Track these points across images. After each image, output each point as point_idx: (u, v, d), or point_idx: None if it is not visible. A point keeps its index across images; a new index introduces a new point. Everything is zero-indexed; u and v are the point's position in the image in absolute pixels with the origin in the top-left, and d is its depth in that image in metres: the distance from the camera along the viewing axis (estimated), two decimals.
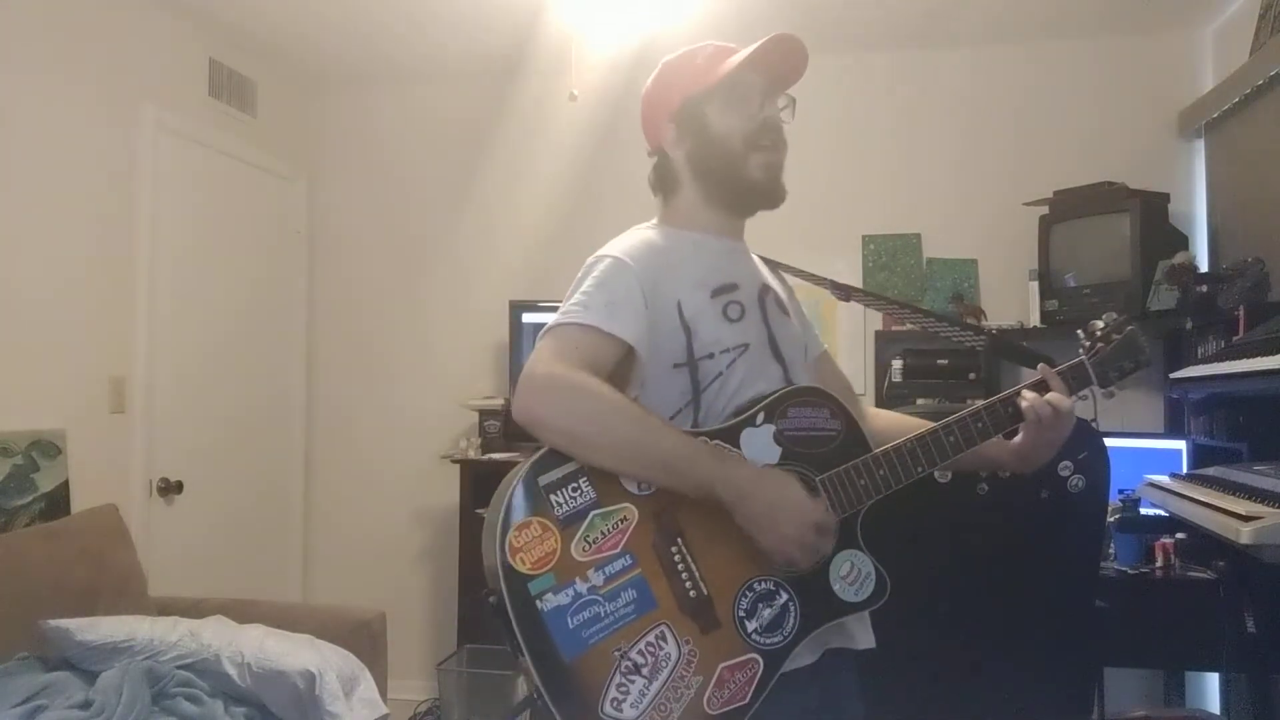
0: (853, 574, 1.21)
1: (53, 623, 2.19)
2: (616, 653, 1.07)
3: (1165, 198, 3.10)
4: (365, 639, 2.56)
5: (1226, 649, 2.34)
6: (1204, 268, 3.02)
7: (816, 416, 1.25)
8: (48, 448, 2.62)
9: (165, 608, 2.55)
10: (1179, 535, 2.58)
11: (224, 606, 2.57)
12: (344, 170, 3.99)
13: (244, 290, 3.57)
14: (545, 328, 1.20)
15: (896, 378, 3.23)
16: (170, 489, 3.12)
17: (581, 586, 1.08)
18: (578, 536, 1.10)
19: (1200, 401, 2.76)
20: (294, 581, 3.83)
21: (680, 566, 1.13)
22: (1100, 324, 1.37)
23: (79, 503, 2.67)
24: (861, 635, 1.29)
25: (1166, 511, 2.36)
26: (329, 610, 2.74)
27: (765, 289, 1.36)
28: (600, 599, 1.08)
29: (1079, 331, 1.40)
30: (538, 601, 1.06)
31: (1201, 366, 2.44)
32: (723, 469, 1.14)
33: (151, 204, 3.04)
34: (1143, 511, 2.62)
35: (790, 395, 1.25)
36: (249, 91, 3.57)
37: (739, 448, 1.19)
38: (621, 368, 1.21)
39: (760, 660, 1.13)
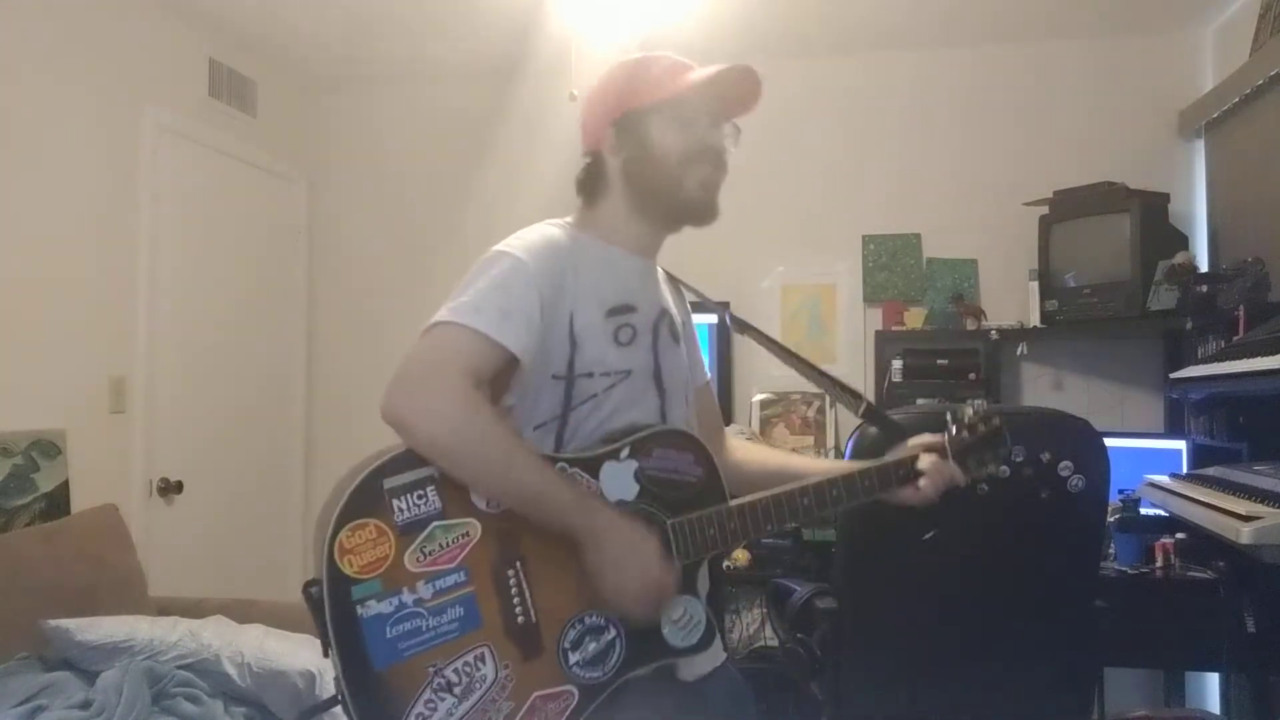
0: (684, 618, 1.20)
1: (53, 623, 2.19)
2: (431, 669, 1.05)
3: (1165, 198, 3.10)
4: None
5: (1226, 649, 2.34)
6: (1204, 268, 3.02)
7: (680, 460, 1.23)
8: (48, 448, 2.62)
9: (165, 608, 2.55)
10: (1179, 535, 2.58)
11: (224, 606, 2.57)
12: (344, 170, 3.99)
13: (244, 290, 3.57)
14: (431, 322, 1.15)
15: (896, 378, 3.23)
16: (170, 489, 3.12)
17: (408, 597, 1.05)
18: (414, 546, 1.06)
19: (1200, 401, 2.76)
20: (294, 581, 3.82)
21: (514, 590, 1.11)
22: (970, 411, 1.39)
23: (79, 503, 2.67)
24: (686, 669, 1.26)
25: (1166, 511, 2.36)
26: None
27: (662, 314, 1.33)
28: (424, 612, 1.06)
29: (948, 414, 1.41)
30: (358, 607, 1.03)
31: (1201, 366, 2.44)
32: (584, 513, 1.12)
33: (151, 204, 3.04)
34: (1143, 511, 2.62)
35: (659, 436, 1.23)
36: (249, 91, 3.57)
37: (598, 479, 1.18)
38: (502, 374, 1.18)
39: (576, 693, 1.12)
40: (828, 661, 1.97)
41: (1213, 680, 3.03)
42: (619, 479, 1.19)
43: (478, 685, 1.07)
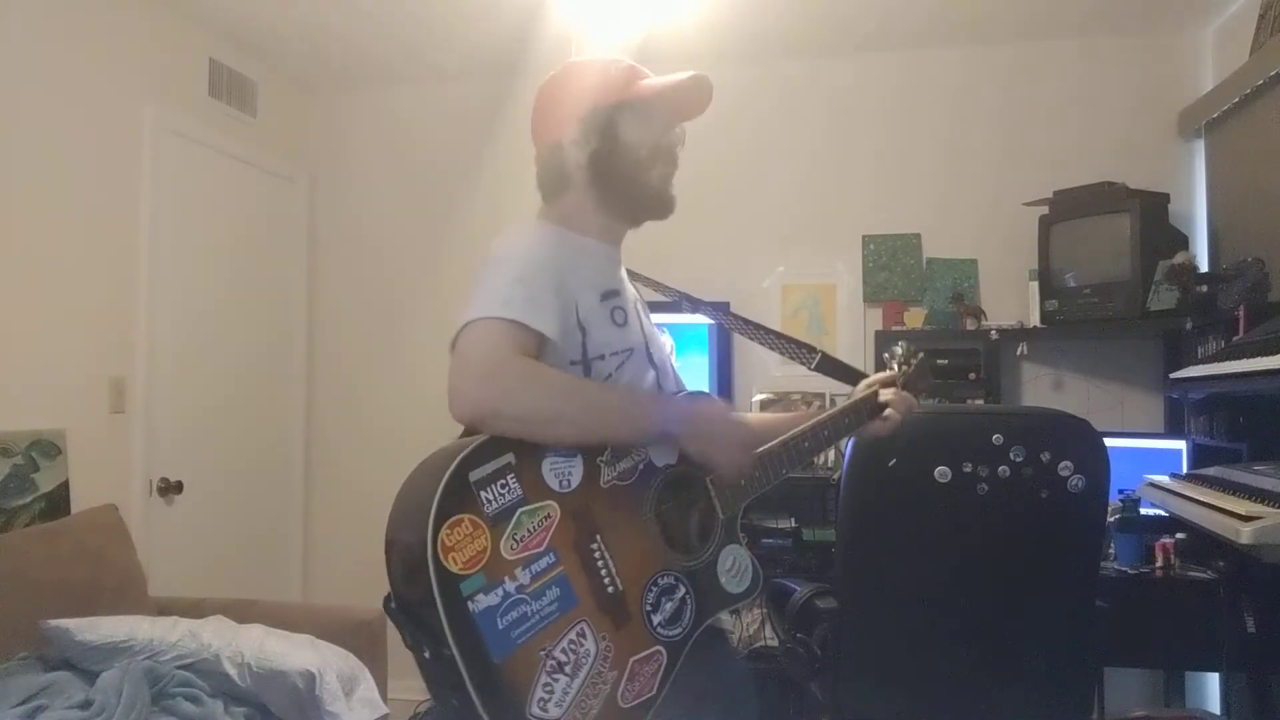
0: (735, 567, 1.29)
1: (53, 623, 2.19)
2: (542, 652, 1.07)
3: (1165, 198, 3.10)
4: (365, 639, 2.56)
5: (1226, 649, 2.34)
6: (1204, 268, 3.02)
7: None
8: (48, 448, 2.62)
9: (165, 608, 2.55)
10: (1179, 535, 2.58)
11: (224, 606, 2.57)
12: (344, 170, 3.99)
13: (244, 290, 3.58)
14: (463, 322, 1.18)
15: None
16: (170, 489, 3.12)
17: (510, 586, 1.06)
18: (506, 534, 1.08)
19: (1200, 401, 2.76)
20: (294, 581, 3.83)
21: (599, 563, 1.15)
22: (899, 350, 1.66)
23: (79, 503, 2.67)
24: (724, 615, 1.36)
25: (1166, 511, 2.37)
26: (329, 610, 2.74)
27: (636, 296, 1.43)
28: (527, 598, 1.07)
29: (885, 354, 1.69)
30: (469, 603, 1.03)
31: (1201, 366, 2.44)
32: (674, 412, 1.24)
33: (151, 204, 3.04)
34: (1143, 511, 2.63)
35: (686, 399, 1.32)
36: (249, 91, 3.58)
37: (645, 448, 1.25)
38: None
39: (664, 652, 1.18)
40: (828, 661, 1.97)
41: (1213, 680, 3.03)
42: (661, 445, 1.26)
43: (584, 661, 1.10)
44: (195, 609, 2.53)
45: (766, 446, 1.36)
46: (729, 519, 1.30)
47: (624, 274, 1.43)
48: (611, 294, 1.34)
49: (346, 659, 2.37)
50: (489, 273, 1.22)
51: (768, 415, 1.62)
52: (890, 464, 1.76)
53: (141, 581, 2.65)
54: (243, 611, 2.53)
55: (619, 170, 1.35)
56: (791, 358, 1.58)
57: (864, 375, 1.59)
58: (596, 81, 1.37)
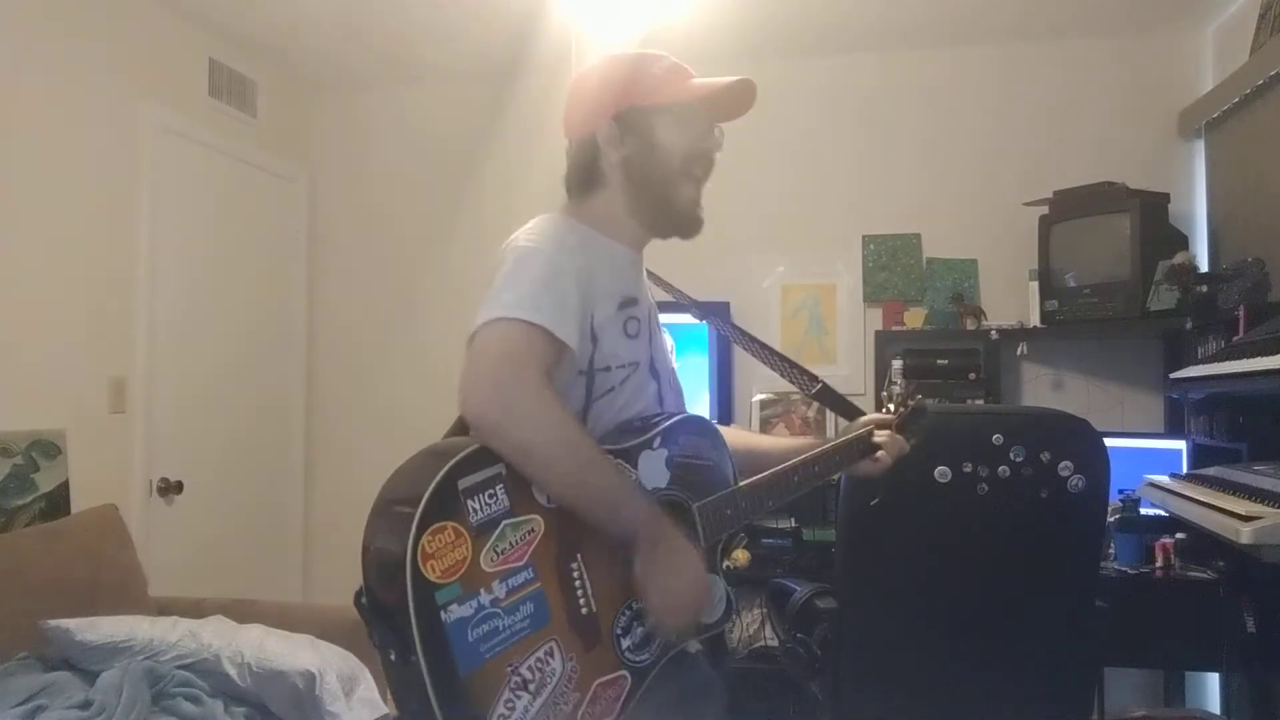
0: (710, 596, 1.25)
1: (53, 623, 2.19)
2: (509, 668, 1.05)
3: (1165, 198, 3.10)
4: (365, 639, 2.54)
5: (1226, 649, 2.34)
6: (1204, 268, 3.02)
7: (701, 445, 1.30)
8: (48, 448, 2.62)
9: (165, 608, 2.55)
10: (1179, 535, 2.58)
11: (224, 606, 2.57)
12: (344, 171, 3.99)
13: (244, 290, 3.58)
14: (491, 316, 1.13)
15: (896, 377, 3.23)
16: (170, 489, 3.12)
17: (485, 598, 1.04)
18: (488, 546, 1.05)
19: (1200, 401, 2.76)
20: (294, 581, 3.83)
21: (577, 582, 1.13)
22: (898, 390, 1.62)
23: (79, 503, 2.67)
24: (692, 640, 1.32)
25: (1166, 511, 2.37)
26: (329, 610, 2.73)
27: (652, 305, 1.38)
28: (500, 612, 1.05)
29: (884, 393, 1.64)
30: (442, 612, 1.01)
31: (1201, 366, 2.44)
32: (651, 522, 1.15)
33: (151, 204, 3.05)
34: (1143, 511, 2.63)
35: (683, 423, 1.29)
36: (249, 91, 3.58)
37: (636, 469, 1.22)
38: None
39: (629, 677, 1.15)
40: (828, 661, 1.97)
41: (1213, 680, 3.03)
42: (654, 467, 1.23)
43: (549, 680, 1.07)
44: (195, 609, 2.53)
45: (755, 479, 1.33)
46: (709, 548, 1.26)
47: (645, 279, 1.37)
48: (629, 302, 1.28)
49: (346, 659, 2.37)
50: (519, 266, 1.17)
51: (764, 441, 1.57)
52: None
53: (141, 581, 2.65)
54: (243, 611, 2.53)
55: (652, 178, 1.30)
56: (792, 382, 1.53)
57: (861, 412, 1.55)
58: (636, 79, 1.31)
